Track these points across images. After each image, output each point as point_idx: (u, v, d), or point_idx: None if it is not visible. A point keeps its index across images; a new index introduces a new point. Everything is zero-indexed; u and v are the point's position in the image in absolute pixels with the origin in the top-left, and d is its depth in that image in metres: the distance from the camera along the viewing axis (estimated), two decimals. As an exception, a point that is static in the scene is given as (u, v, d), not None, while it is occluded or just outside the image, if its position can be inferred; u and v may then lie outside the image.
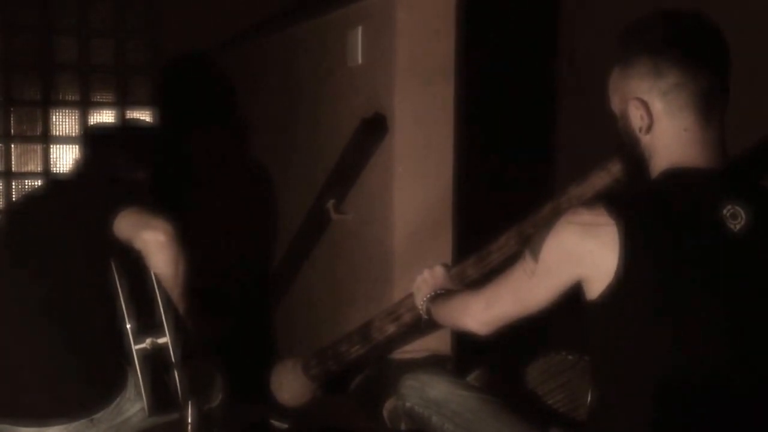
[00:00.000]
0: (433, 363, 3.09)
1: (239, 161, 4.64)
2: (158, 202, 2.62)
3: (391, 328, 2.86)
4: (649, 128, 1.80)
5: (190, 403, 2.56)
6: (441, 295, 2.36)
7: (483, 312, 2.03)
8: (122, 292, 2.48)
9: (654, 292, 1.71)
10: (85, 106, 4.91)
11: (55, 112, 4.88)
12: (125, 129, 3.48)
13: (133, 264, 2.50)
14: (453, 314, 2.19)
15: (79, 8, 4.89)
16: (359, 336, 2.96)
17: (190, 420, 2.56)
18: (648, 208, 1.75)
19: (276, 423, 3.18)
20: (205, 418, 2.63)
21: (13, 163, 4.81)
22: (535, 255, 1.84)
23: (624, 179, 2.26)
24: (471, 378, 2.53)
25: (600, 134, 2.10)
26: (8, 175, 4.80)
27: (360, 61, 3.39)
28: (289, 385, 3.15)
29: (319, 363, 3.08)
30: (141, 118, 4.92)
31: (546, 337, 2.38)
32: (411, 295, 2.66)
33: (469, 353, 2.92)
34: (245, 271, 4.51)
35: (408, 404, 2.26)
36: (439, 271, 2.52)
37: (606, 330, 1.77)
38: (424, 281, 2.50)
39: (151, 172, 2.84)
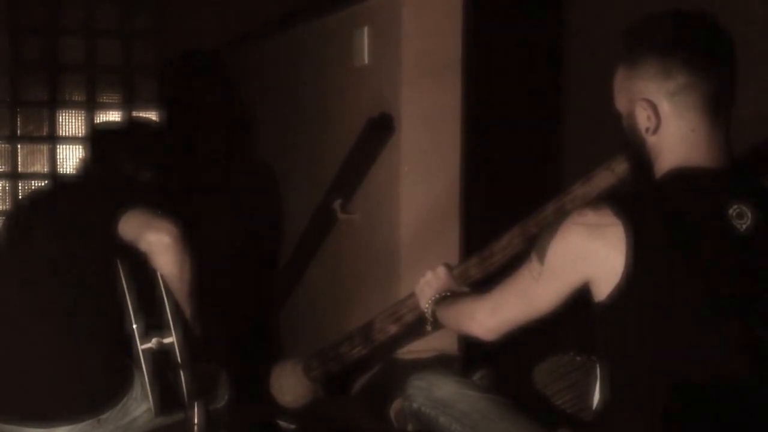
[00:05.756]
0: (440, 363, 3.09)
1: (245, 161, 4.64)
2: (164, 202, 2.62)
3: (392, 329, 2.85)
4: (656, 129, 1.80)
5: (196, 403, 2.56)
6: (446, 298, 2.36)
7: (489, 318, 2.03)
8: (128, 292, 2.49)
9: (661, 292, 1.71)
10: (91, 106, 4.90)
11: (62, 113, 4.87)
12: (131, 128, 3.47)
13: (139, 264, 2.50)
14: (459, 320, 2.20)
15: (85, 9, 4.89)
16: (360, 336, 2.96)
17: (196, 420, 2.56)
18: (654, 208, 1.75)
19: (282, 424, 3.18)
20: (212, 418, 2.63)
21: (19, 163, 4.81)
22: (541, 257, 1.84)
23: (628, 179, 2.26)
24: (475, 378, 2.52)
25: (606, 133, 2.10)
26: (15, 175, 4.80)
27: (366, 60, 3.39)
28: (290, 387, 3.14)
29: (320, 364, 3.08)
30: (147, 117, 4.91)
31: (554, 337, 2.38)
32: (413, 295, 2.66)
33: (476, 353, 2.92)
34: (251, 271, 4.51)
35: (415, 405, 2.26)
36: (441, 272, 2.52)
37: (614, 331, 1.77)
38: (427, 283, 2.51)
39: (156, 171, 2.84)
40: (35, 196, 3.06)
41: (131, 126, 3.66)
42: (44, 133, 4.84)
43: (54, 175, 4.80)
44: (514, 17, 4.51)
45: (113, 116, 4.92)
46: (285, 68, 4.21)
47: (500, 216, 2.62)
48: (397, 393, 2.60)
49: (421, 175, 3.22)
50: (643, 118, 1.81)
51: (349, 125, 3.49)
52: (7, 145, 4.79)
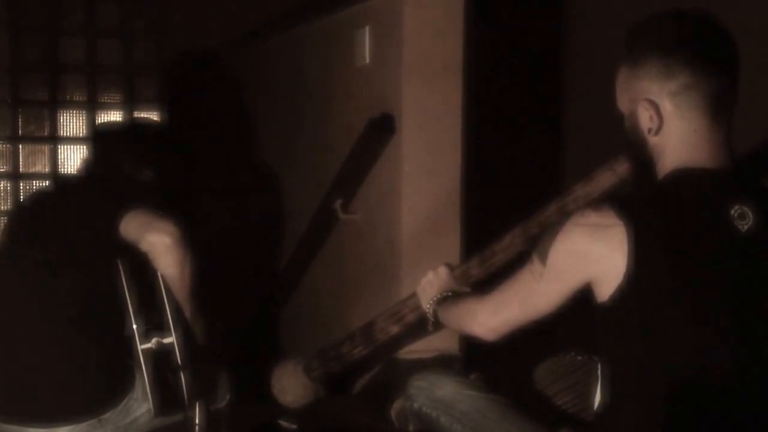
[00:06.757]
0: (441, 363, 3.09)
1: (246, 161, 4.64)
2: (165, 203, 2.62)
3: (394, 329, 2.85)
4: (658, 129, 1.80)
5: (197, 403, 2.56)
6: (448, 299, 2.36)
7: (491, 318, 2.03)
8: (129, 292, 2.49)
9: (663, 293, 1.71)
10: (92, 106, 4.91)
11: (63, 113, 4.87)
12: (132, 128, 3.48)
13: (140, 265, 2.50)
14: (460, 320, 2.20)
15: (86, 9, 4.89)
16: (362, 337, 2.96)
17: (197, 421, 2.56)
18: (656, 209, 1.74)
19: (284, 424, 3.18)
20: (212, 418, 2.63)
21: (20, 163, 4.82)
22: (543, 258, 1.84)
23: (630, 179, 2.25)
24: (471, 378, 2.52)
25: (607, 133, 2.10)
26: (16, 175, 4.80)
27: (367, 60, 3.39)
28: (291, 387, 3.15)
29: (321, 365, 3.08)
30: (148, 117, 4.91)
31: (555, 337, 2.38)
32: (414, 295, 2.66)
33: (477, 353, 2.92)
34: (252, 271, 4.51)
35: (416, 405, 2.26)
36: (443, 272, 2.52)
37: (615, 331, 1.77)
38: (429, 283, 2.51)
39: (157, 171, 2.84)
40: (37, 197, 3.05)
41: (132, 126, 3.67)
42: (45, 133, 4.85)
43: (55, 176, 4.80)
44: (515, 17, 4.51)
45: (114, 116, 4.93)
46: (286, 68, 4.21)
47: (501, 216, 2.62)
48: (398, 393, 2.60)
49: (422, 175, 3.22)
50: (645, 119, 1.80)
51: (350, 125, 3.49)
52: (8, 145, 4.80)
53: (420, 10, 3.19)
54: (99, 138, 3.02)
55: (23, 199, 4.70)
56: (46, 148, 4.85)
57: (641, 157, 1.85)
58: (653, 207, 1.75)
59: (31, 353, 2.54)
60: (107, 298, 2.51)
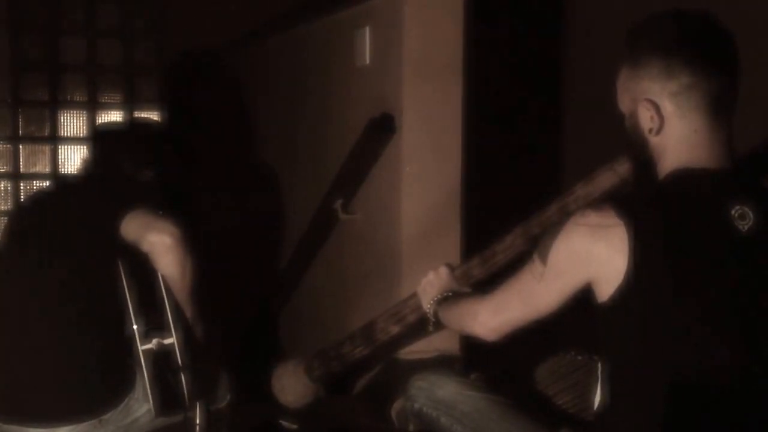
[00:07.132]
0: (441, 363, 3.09)
1: (246, 161, 4.64)
2: (165, 203, 2.63)
3: (395, 329, 2.85)
4: (659, 129, 1.80)
5: (197, 403, 2.56)
6: (448, 299, 2.36)
7: (491, 318, 2.03)
8: (129, 293, 2.49)
9: (663, 293, 1.71)
10: (92, 106, 4.91)
11: (63, 113, 4.87)
12: (132, 128, 3.48)
13: (141, 265, 2.50)
14: (461, 320, 2.20)
15: (86, 9, 4.89)
16: (362, 337, 2.95)
17: (198, 421, 2.56)
18: (656, 209, 1.74)
19: (284, 424, 3.18)
20: (213, 418, 2.63)
21: (21, 163, 4.81)
22: (544, 258, 1.84)
23: (631, 179, 2.25)
24: (471, 379, 2.53)
25: (607, 133, 2.10)
26: (16, 176, 4.80)
27: (368, 61, 3.39)
28: (292, 387, 3.14)
29: (321, 364, 3.08)
30: (148, 117, 4.91)
31: (555, 337, 2.38)
32: (415, 295, 2.66)
33: (477, 353, 2.92)
34: (252, 271, 4.51)
35: (417, 405, 2.26)
36: (443, 272, 2.52)
37: (616, 332, 1.77)
38: (430, 283, 2.51)
39: (157, 171, 2.84)
40: (37, 197, 3.06)
41: (132, 126, 3.67)
42: (46, 134, 4.85)
43: (55, 176, 4.80)
44: (515, 18, 4.51)
45: (114, 116, 4.93)
46: (286, 68, 4.21)
47: (501, 216, 2.62)
48: (398, 393, 2.60)
49: (423, 175, 3.21)
50: (646, 119, 1.81)
51: (350, 125, 3.49)
52: (8, 146, 4.79)
53: (420, 10, 3.19)
54: (99, 138, 3.02)
55: (23, 199, 4.70)
56: (47, 148, 4.85)
57: (642, 157, 1.86)
58: (654, 207, 1.75)
59: (32, 353, 2.54)
60: (107, 298, 2.51)
